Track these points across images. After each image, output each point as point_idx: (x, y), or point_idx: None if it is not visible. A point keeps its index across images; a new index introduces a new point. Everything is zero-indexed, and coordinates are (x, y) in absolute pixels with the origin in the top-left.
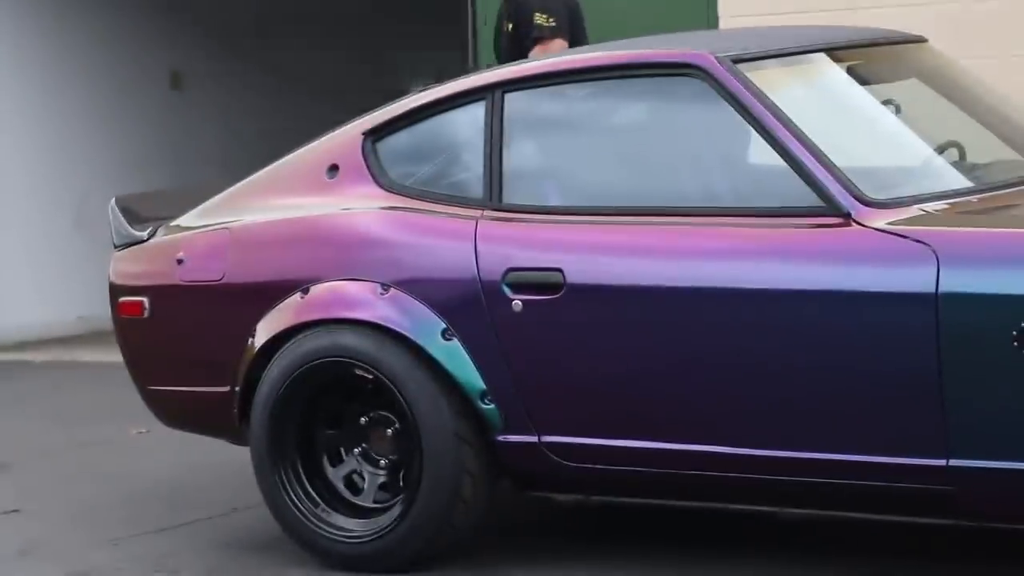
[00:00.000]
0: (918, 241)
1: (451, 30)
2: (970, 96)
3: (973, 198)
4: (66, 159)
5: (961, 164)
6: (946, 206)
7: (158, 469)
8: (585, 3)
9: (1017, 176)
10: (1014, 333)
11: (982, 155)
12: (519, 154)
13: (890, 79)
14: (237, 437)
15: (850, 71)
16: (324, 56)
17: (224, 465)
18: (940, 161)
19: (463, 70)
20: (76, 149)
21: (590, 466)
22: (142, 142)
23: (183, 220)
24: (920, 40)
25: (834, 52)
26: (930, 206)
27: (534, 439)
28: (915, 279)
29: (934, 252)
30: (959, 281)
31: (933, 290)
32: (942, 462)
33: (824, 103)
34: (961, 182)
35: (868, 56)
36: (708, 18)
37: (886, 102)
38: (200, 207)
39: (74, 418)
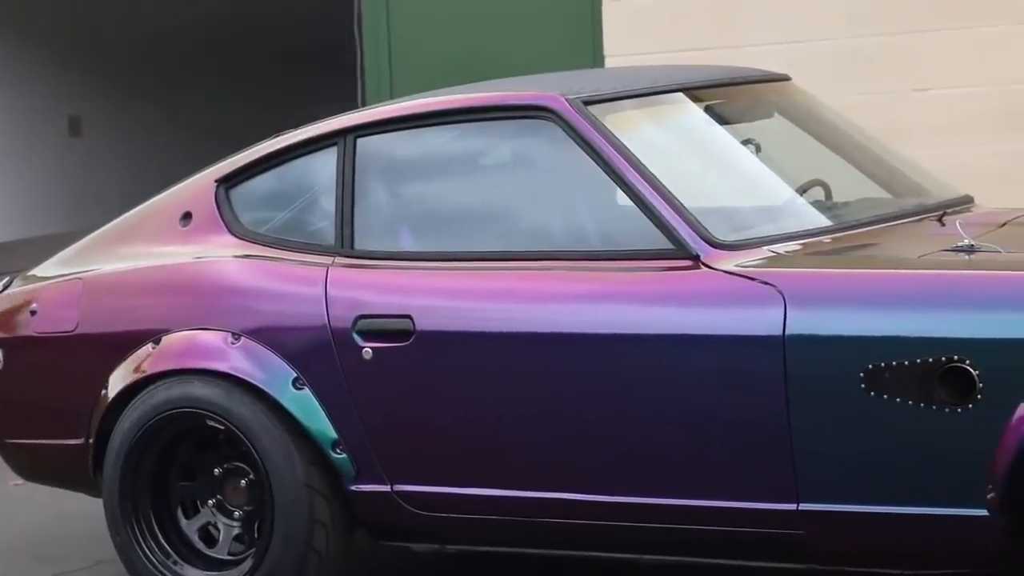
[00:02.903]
0: (765, 283)
1: (350, 80)
2: (835, 133)
3: (827, 238)
4: None
5: (823, 203)
6: (798, 247)
7: (30, 521)
8: (472, 44)
9: (879, 214)
10: (861, 375)
11: (848, 193)
12: (371, 200)
13: (751, 118)
14: (93, 489)
15: (709, 110)
16: (224, 103)
17: (94, 516)
18: (798, 200)
19: None
20: None
21: (444, 515)
22: (41, 187)
23: (39, 270)
24: (783, 78)
25: (693, 91)
26: (781, 247)
27: (387, 488)
28: (762, 322)
29: (781, 294)
30: (806, 323)
31: (780, 332)
32: (792, 506)
33: (680, 143)
34: (819, 221)
35: (729, 95)
36: (594, 57)
37: (746, 141)
38: (57, 256)
39: None
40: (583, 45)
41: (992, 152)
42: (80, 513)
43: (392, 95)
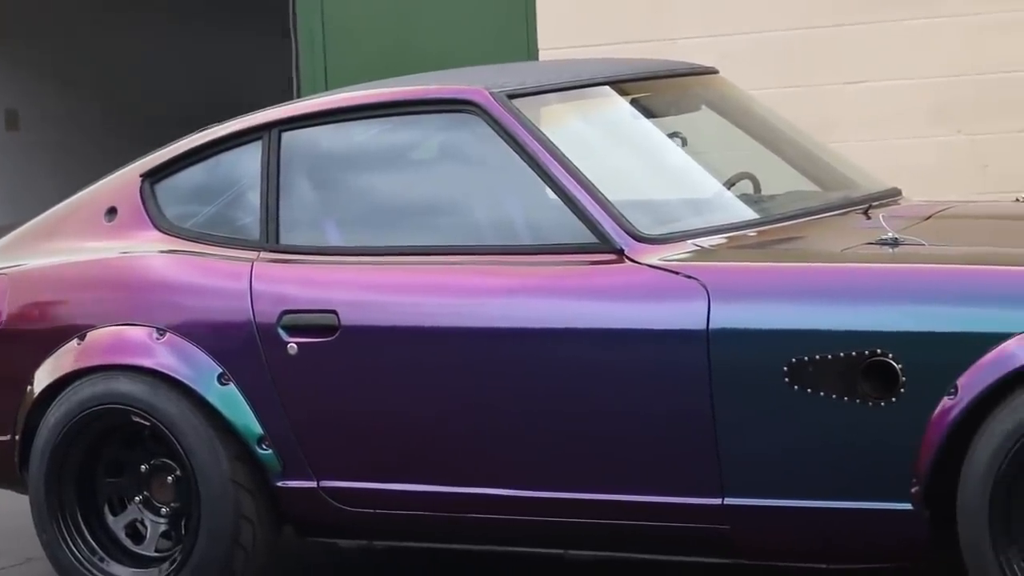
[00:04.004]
0: (689, 277)
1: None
2: (763, 126)
3: (752, 231)
4: None
5: (750, 196)
6: (723, 240)
7: None
8: (407, 39)
9: (805, 207)
10: (785, 368)
11: (776, 186)
12: (297, 194)
13: (678, 111)
14: (20, 486)
15: (636, 104)
16: (163, 95)
17: (24, 514)
18: (725, 194)
19: None
20: None
21: (370, 511)
22: None
23: None
24: (711, 71)
25: (620, 85)
26: (706, 241)
27: (313, 484)
28: (686, 316)
29: (705, 288)
30: (729, 317)
31: (704, 327)
32: (718, 501)
33: (606, 137)
34: (745, 215)
35: (656, 88)
36: (529, 51)
37: (672, 135)
38: None
39: None
40: (517, 39)
41: (923, 144)
42: (9, 510)
43: (328, 90)
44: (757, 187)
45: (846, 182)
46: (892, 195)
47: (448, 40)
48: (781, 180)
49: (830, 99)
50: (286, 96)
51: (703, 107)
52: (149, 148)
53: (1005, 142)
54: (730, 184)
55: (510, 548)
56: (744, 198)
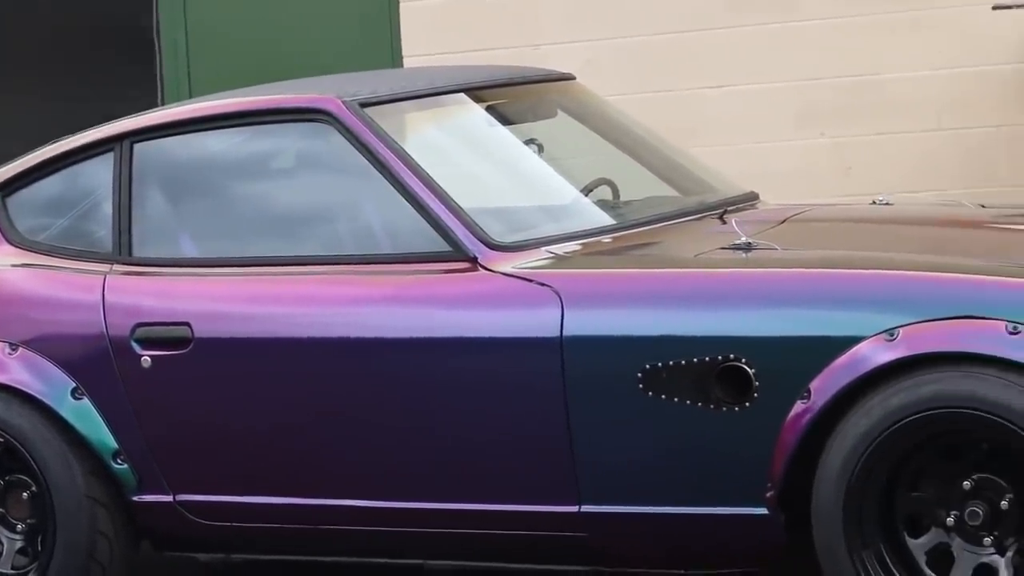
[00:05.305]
0: (542, 284)
1: (143, 69)
2: (621, 132)
3: (607, 238)
4: None
5: (607, 202)
6: (577, 247)
7: None
8: (271, 47)
9: (661, 212)
10: (639, 375)
11: (635, 191)
12: (149, 206)
13: (534, 118)
14: None
15: (491, 111)
16: (7, 99)
17: None
18: (581, 200)
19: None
20: None
21: (228, 524)
22: None
23: None
24: (567, 78)
25: (475, 92)
26: (560, 247)
27: (169, 498)
28: (539, 324)
29: (558, 295)
30: (582, 324)
31: (557, 334)
32: (574, 508)
33: (460, 144)
34: (600, 221)
35: (512, 95)
36: (393, 58)
37: (528, 141)
38: None
39: None
40: (381, 46)
41: (787, 148)
42: None
43: (192, 98)
44: (616, 193)
45: (704, 187)
46: (749, 199)
47: (312, 47)
48: (640, 186)
49: (694, 104)
50: None
51: (560, 113)
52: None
53: (868, 144)
54: (588, 190)
55: (369, 559)
56: (601, 204)
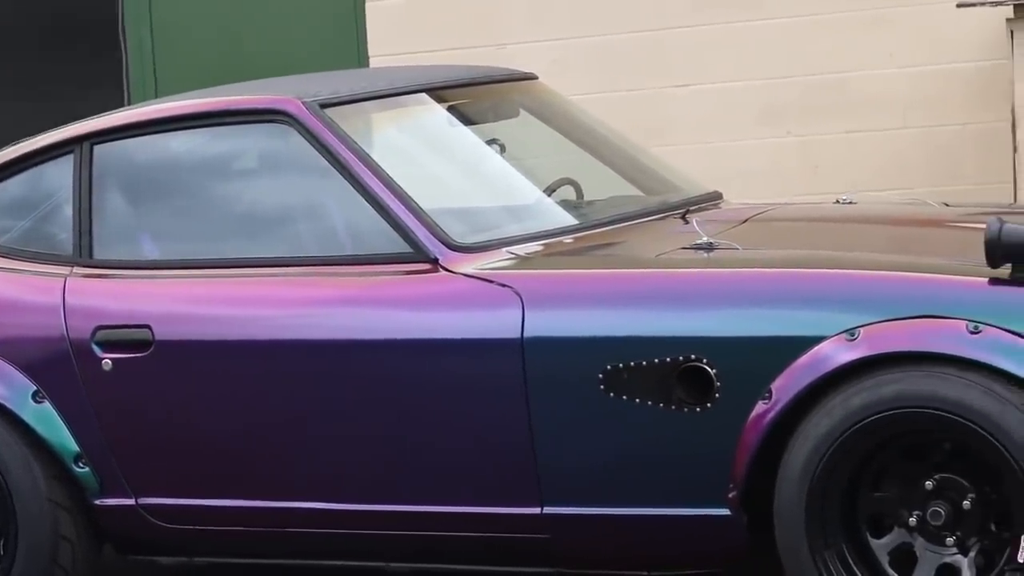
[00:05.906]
0: (503, 285)
1: (113, 67)
2: (584, 131)
3: (569, 238)
4: None
5: (570, 202)
6: (539, 247)
7: None
8: (237, 46)
9: (624, 212)
10: (600, 376)
11: (599, 191)
12: (110, 208)
13: (497, 118)
14: None
15: (453, 111)
16: None
17: None
18: (543, 200)
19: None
20: None
21: (189, 527)
22: None
23: None
24: (530, 77)
25: (436, 92)
26: (522, 248)
27: (131, 502)
28: (500, 325)
29: (519, 296)
30: (543, 325)
31: (518, 335)
32: (536, 510)
33: (422, 145)
34: (562, 221)
35: (473, 95)
36: (359, 57)
37: (491, 141)
38: None
39: None
40: (348, 45)
41: (754, 147)
42: None
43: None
44: (579, 193)
45: (667, 186)
46: (712, 199)
47: (278, 47)
48: (603, 185)
49: (660, 103)
50: None
51: (522, 113)
52: None
53: (834, 143)
54: (551, 190)
55: (332, 562)
56: (564, 204)
